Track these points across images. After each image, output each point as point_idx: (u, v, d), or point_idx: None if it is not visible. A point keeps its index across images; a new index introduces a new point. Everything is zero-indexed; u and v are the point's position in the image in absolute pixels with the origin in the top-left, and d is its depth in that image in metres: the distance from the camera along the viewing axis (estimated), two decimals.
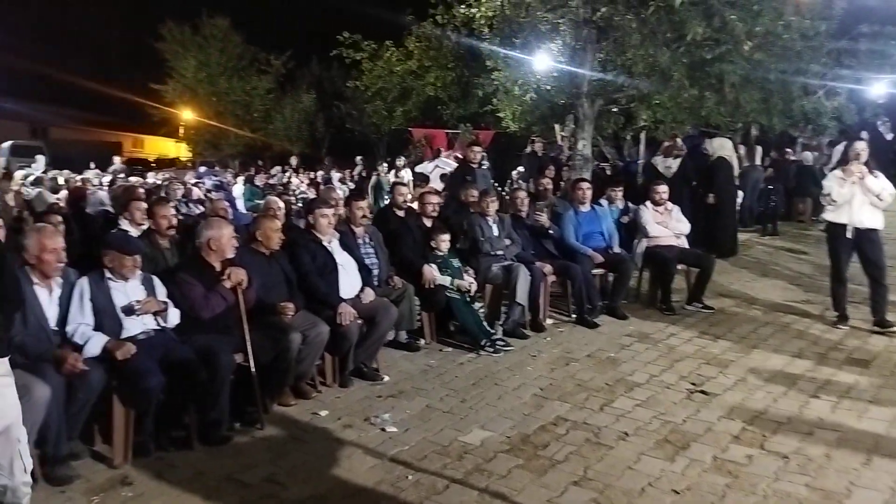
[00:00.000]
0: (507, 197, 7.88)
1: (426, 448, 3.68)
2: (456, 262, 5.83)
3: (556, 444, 3.72)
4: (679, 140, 9.42)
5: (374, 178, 14.77)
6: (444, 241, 5.83)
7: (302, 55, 28.01)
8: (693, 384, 4.66)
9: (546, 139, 13.39)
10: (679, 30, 8.62)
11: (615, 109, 11.59)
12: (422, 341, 5.65)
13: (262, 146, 27.99)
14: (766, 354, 5.30)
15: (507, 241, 6.22)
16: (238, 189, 14.12)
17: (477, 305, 5.79)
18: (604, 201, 7.27)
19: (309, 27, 28.39)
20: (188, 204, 9.99)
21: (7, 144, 22.00)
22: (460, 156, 14.80)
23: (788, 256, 9.51)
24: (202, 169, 20.47)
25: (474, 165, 7.95)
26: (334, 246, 5.08)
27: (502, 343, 5.52)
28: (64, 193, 10.32)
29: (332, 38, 19.73)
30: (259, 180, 15.61)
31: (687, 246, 7.02)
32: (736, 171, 9.72)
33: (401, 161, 16.07)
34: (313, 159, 24.64)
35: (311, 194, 14.38)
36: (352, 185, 15.29)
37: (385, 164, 15.69)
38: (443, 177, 12.22)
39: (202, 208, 9.80)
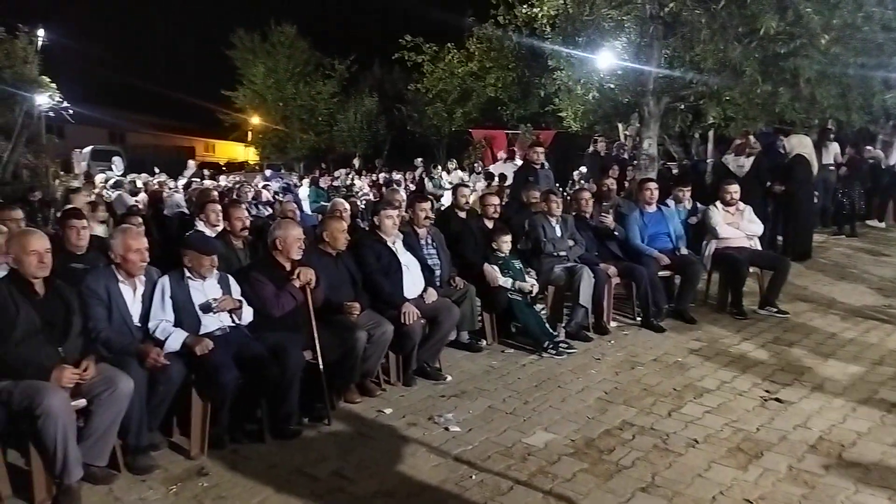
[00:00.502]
0: (569, 197, 7.81)
1: (489, 448, 3.69)
2: (518, 264, 5.81)
3: (622, 449, 3.66)
4: (752, 138, 9.08)
5: (427, 181, 14.90)
6: (505, 242, 5.83)
7: (364, 59, 28.64)
8: (767, 391, 4.48)
9: (609, 138, 13.17)
10: (751, 24, 8.33)
11: (682, 107, 11.29)
12: (483, 342, 5.66)
13: (326, 149, 28.69)
14: (844, 363, 5.05)
15: (571, 243, 6.15)
16: (304, 191, 14.55)
17: (539, 307, 5.75)
18: (671, 201, 7.09)
19: (371, 32, 28.92)
20: (258, 206, 10.38)
21: (88, 149, 23.31)
22: (519, 156, 14.78)
23: (868, 259, 9.02)
24: (269, 172, 21.17)
25: (536, 166, 7.90)
26: (398, 246, 5.15)
27: (565, 345, 5.47)
28: (142, 196, 10.85)
29: (394, 42, 20.01)
30: (323, 182, 16.03)
31: (759, 248, 6.76)
32: (815, 171, 9.28)
33: (452, 164, 16.11)
34: (375, 161, 25.10)
35: (373, 196, 14.67)
36: (412, 187, 15.45)
37: (439, 167, 15.75)
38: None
39: (270, 210, 10.15)
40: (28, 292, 3.25)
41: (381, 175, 19.16)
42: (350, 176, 18.01)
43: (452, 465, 3.52)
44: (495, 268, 5.64)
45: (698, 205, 7.12)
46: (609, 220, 6.51)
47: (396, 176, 18.00)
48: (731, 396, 4.41)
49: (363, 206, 12.96)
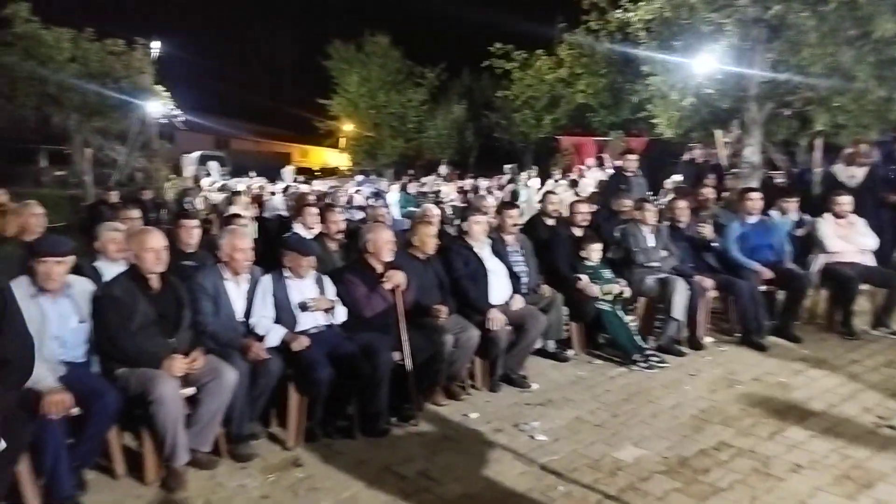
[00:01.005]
0: (663, 206, 7.56)
1: (577, 460, 3.63)
2: (608, 273, 5.69)
3: (719, 471, 3.50)
4: (865, 147, 8.45)
5: (511, 187, 14.84)
6: (595, 251, 5.72)
7: (454, 67, 28.95)
8: (879, 417, 4.16)
9: (706, 145, 12.65)
10: (864, 26, 7.80)
11: (788, 113, 10.68)
12: (570, 352, 5.58)
13: (415, 155, 29.21)
14: None
15: (664, 253, 5.95)
16: (393, 196, 14.87)
17: (629, 318, 5.61)
18: (775, 212, 6.72)
19: (462, 40, 29.19)
20: (350, 210, 10.71)
21: (196, 154, 24.88)
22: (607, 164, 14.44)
23: None
24: (360, 177, 21.79)
25: (629, 174, 7.71)
26: (485, 252, 5.17)
27: (656, 359, 5.30)
28: (245, 199, 11.44)
29: (484, 50, 20.13)
30: (411, 188, 16.33)
31: (873, 263, 6.29)
32: None
33: (533, 171, 15.94)
34: (462, 168, 25.29)
35: (460, 202, 14.79)
36: (498, 193, 15.45)
37: (524, 174, 15.62)
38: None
39: (362, 214, 10.46)
40: (145, 287, 3.51)
41: (468, 181, 19.28)
42: (437, 182, 18.23)
43: (538, 473, 3.49)
44: (584, 277, 5.55)
45: (805, 216, 6.71)
46: (708, 229, 6.25)
47: (483, 182, 18.06)
48: (839, 421, 4.12)
49: (451, 212, 13.11)
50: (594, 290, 5.49)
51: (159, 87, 17.95)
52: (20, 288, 3.24)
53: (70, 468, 3.06)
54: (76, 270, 3.60)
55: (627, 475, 3.45)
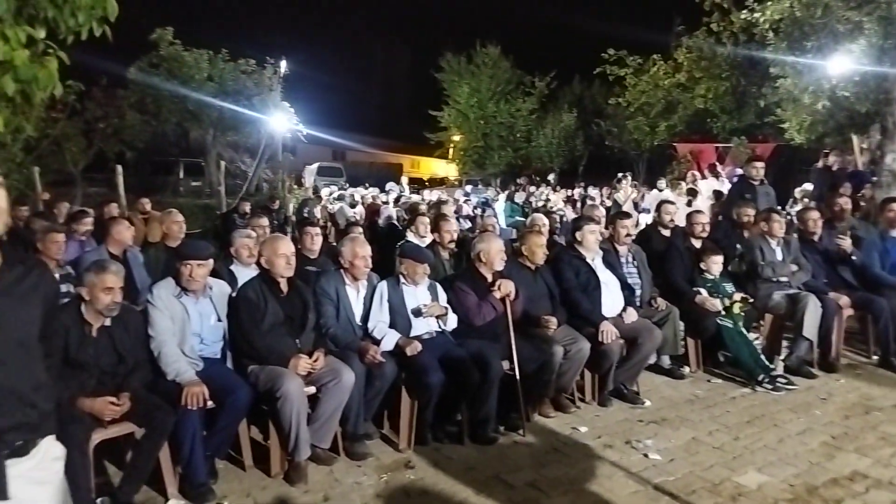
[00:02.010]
0: (793, 217, 7.07)
1: (694, 482, 3.48)
2: (729, 287, 5.40)
3: (852, 502, 3.23)
4: None
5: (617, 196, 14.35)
6: (715, 264, 5.46)
7: (564, 75, 28.66)
8: None
9: (841, 152, 11.70)
10: None
11: None
12: (686, 369, 5.36)
13: (523, 164, 29.15)
14: None
15: (794, 267, 5.57)
16: (500, 206, 14.92)
17: (753, 336, 5.29)
18: None
19: (572, 48, 28.84)
20: (459, 219, 10.86)
21: (315, 166, 26.26)
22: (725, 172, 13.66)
23: None
24: (469, 187, 22.06)
25: (755, 182, 7.26)
26: (597, 263, 5.08)
27: (783, 380, 4.97)
28: (359, 209, 11.95)
29: (595, 57, 19.76)
30: (518, 197, 16.30)
31: None
32: None
33: (627, 180, 15.34)
34: (571, 177, 24.95)
35: (569, 212, 14.58)
36: (608, 203, 15.06)
37: (625, 183, 15.05)
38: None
39: (470, 223, 10.59)
40: (275, 290, 3.77)
41: (577, 191, 18.97)
42: (545, 191, 18.09)
43: (652, 493, 3.38)
44: (703, 291, 5.31)
45: None
46: (847, 243, 5.78)
47: (593, 191, 17.70)
48: None
49: (559, 223, 12.96)
50: (714, 304, 5.24)
51: (286, 103, 19.15)
52: (166, 288, 3.59)
53: (204, 457, 3.33)
54: (214, 274, 3.93)
55: (750, 501, 3.27)
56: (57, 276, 4.60)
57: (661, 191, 12.72)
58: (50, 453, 1.79)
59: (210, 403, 3.36)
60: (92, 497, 2.95)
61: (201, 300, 3.65)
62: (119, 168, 11.47)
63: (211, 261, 3.70)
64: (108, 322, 3.23)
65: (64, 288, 4.56)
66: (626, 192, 14.07)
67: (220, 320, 3.71)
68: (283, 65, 19.50)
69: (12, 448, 1.68)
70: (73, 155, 14.75)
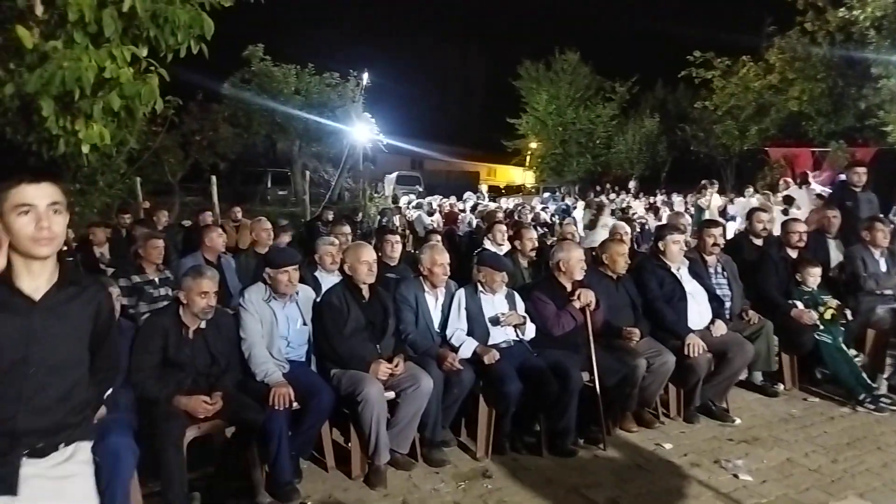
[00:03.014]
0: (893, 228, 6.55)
1: None
2: (829, 300, 5.07)
3: None
4: None
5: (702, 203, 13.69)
6: (812, 276, 5.15)
7: (646, 80, 28.01)
8: None
9: None
10: None
11: None
12: (780, 386, 5.08)
13: (602, 171, 28.63)
14: None
15: None
16: (578, 213, 14.68)
17: (853, 352, 4.94)
18: None
19: (656, 51, 28.12)
20: (536, 227, 10.77)
21: (394, 175, 26.78)
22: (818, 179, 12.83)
23: None
24: (546, 195, 21.87)
25: (857, 189, 6.80)
26: (683, 273, 4.89)
27: (888, 400, 4.63)
28: (437, 217, 12.07)
29: (680, 60, 19.18)
30: None
31: None
32: None
33: (715, 186, 14.59)
34: (653, 183, 24.25)
35: (650, 219, 14.16)
36: (692, 210, 14.49)
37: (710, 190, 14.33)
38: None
39: (546, 231, 10.49)
40: (357, 296, 3.87)
41: (659, 197, 18.41)
42: (626, 198, 17.67)
43: None
44: (800, 304, 5.01)
45: None
46: None
47: (676, 198, 17.12)
48: None
49: (640, 231, 12.59)
50: (811, 317, 4.93)
51: (366, 114, 19.68)
52: (257, 292, 3.75)
53: (290, 456, 3.44)
54: (300, 279, 4.06)
55: None
56: (157, 279, 4.92)
57: (748, 198, 12.08)
58: (76, 457, 1.88)
59: (295, 405, 3.47)
60: (185, 491, 3.11)
61: (288, 305, 3.79)
62: (213, 179, 12.10)
63: (298, 268, 3.82)
64: (203, 325, 3.41)
65: (163, 291, 4.88)
66: (711, 198, 13.45)
67: (305, 324, 3.84)
68: (365, 77, 20.07)
69: (30, 449, 1.78)
70: (172, 166, 15.72)
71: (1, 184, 1.74)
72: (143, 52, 4.70)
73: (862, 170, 6.99)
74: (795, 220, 6.01)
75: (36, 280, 1.78)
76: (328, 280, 4.52)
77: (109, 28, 4.32)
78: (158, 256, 4.93)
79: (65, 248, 6.51)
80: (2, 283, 1.74)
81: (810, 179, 13.67)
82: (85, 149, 4.79)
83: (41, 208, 1.73)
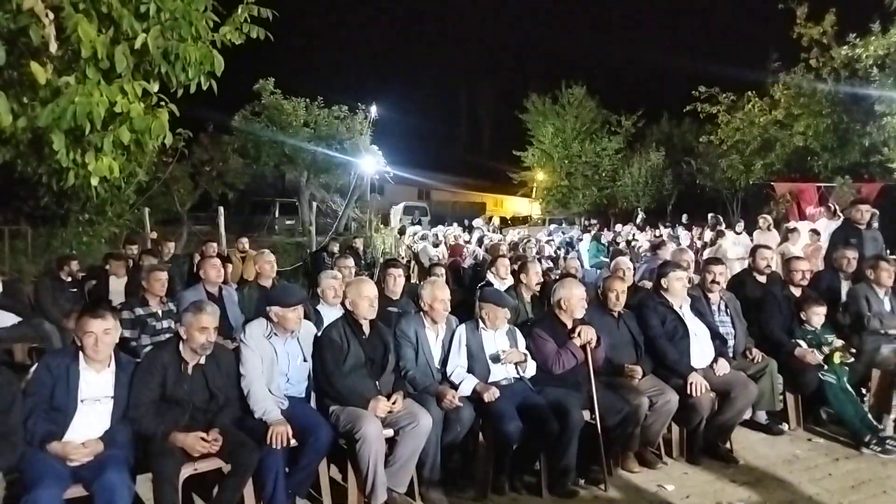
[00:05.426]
0: None
1: None
2: (832, 339, 5.04)
3: None
4: None
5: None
6: (817, 315, 5.12)
7: (652, 113, 28.23)
8: None
9: None
10: None
11: None
12: (785, 426, 5.02)
13: (608, 204, 28.71)
14: None
15: None
16: (584, 245, 14.68)
17: (860, 393, 4.89)
18: None
19: (661, 86, 28.45)
20: (540, 260, 10.77)
21: (401, 205, 26.95)
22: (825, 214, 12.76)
23: None
24: (552, 227, 21.91)
25: (861, 226, 6.78)
26: (685, 311, 4.87)
27: (894, 442, 4.55)
28: (443, 249, 12.10)
29: (685, 95, 19.38)
30: (605, 238, 15.99)
31: None
32: None
33: (718, 222, 14.54)
34: (659, 216, 24.25)
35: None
36: (698, 244, 14.47)
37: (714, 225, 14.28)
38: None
39: (552, 264, 10.48)
40: (357, 331, 3.88)
41: (665, 231, 18.39)
42: (632, 231, 17.66)
43: None
44: (803, 343, 4.98)
45: None
46: None
47: (682, 232, 17.10)
48: None
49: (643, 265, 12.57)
50: (815, 357, 4.89)
51: (375, 147, 19.91)
52: (258, 328, 3.76)
53: (286, 495, 3.41)
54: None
55: None
56: (160, 312, 4.95)
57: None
58: None
59: (293, 442, 3.45)
60: None
61: (289, 341, 3.79)
62: (221, 209, 12.23)
63: (301, 306, 3.82)
64: (202, 360, 3.43)
65: (166, 324, 4.90)
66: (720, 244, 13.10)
67: (305, 360, 3.84)
68: (373, 110, 20.35)
69: None
70: (181, 196, 15.90)
71: None
72: (154, 87, 4.80)
73: (865, 207, 6.97)
74: (798, 257, 6.00)
75: None
76: (330, 313, 4.53)
77: (121, 64, 4.42)
78: (161, 289, 4.97)
79: (68, 279, 6.56)
80: None
81: (816, 215, 13.63)
82: (94, 181, 4.86)
83: None
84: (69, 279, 6.61)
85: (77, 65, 4.62)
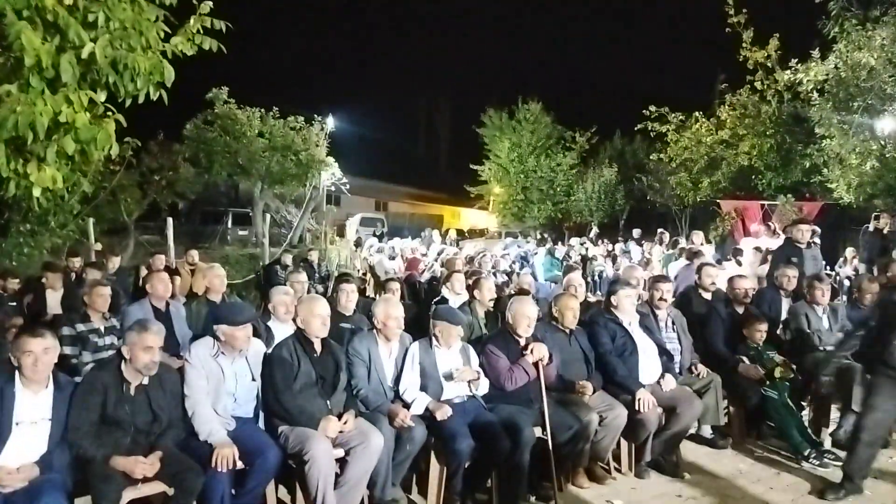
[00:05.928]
0: (842, 278, 6.79)
1: None
2: (775, 356, 5.21)
3: None
4: None
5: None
6: (758, 332, 5.30)
7: (605, 130, 28.92)
8: None
9: (893, 215, 11.35)
10: None
11: None
12: (729, 440, 5.14)
13: (562, 218, 29.18)
14: None
15: (841, 335, 5.35)
16: (539, 259, 14.85)
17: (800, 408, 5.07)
18: None
19: (613, 104, 29.17)
20: (496, 275, 10.84)
21: (357, 217, 26.78)
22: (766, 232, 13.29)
23: None
24: (508, 240, 22.09)
25: (801, 245, 7.05)
26: (634, 327, 4.97)
27: (832, 456, 4.73)
28: (399, 262, 12.05)
29: (637, 113, 19.90)
30: (559, 252, 16.20)
31: None
32: None
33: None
34: (612, 231, 24.79)
35: (608, 267, 14.42)
36: (648, 258, 14.82)
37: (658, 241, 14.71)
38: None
39: (506, 278, 10.55)
40: (308, 349, 3.82)
41: (618, 246, 18.77)
42: (585, 245, 17.95)
43: None
44: (745, 360, 5.14)
45: None
46: None
47: (633, 247, 17.49)
48: None
49: (598, 277, 12.83)
50: (758, 372, 5.06)
51: (331, 158, 19.74)
52: (204, 347, 3.66)
53: None
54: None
55: None
56: (102, 328, 4.78)
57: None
58: None
59: (240, 464, 3.37)
60: None
61: (237, 360, 3.71)
62: (170, 221, 11.91)
63: (250, 324, 3.74)
64: (146, 380, 3.32)
65: (108, 340, 4.74)
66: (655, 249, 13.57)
67: (254, 380, 3.76)
68: (330, 121, 20.18)
69: None
70: (128, 205, 15.41)
71: None
72: (102, 97, 4.66)
73: (806, 227, 7.26)
74: (741, 276, 6.19)
75: None
76: (281, 330, 4.46)
77: (67, 74, 4.28)
78: (104, 304, 4.80)
79: (3, 293, 6.28)
80: None
81: (761, 233, 14.13)
82: (36, 192, 4.68)
83: None
84: (4, 293, 6.34)
85: (20, 73, 4.46)
